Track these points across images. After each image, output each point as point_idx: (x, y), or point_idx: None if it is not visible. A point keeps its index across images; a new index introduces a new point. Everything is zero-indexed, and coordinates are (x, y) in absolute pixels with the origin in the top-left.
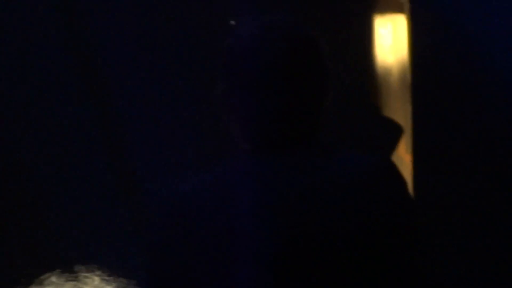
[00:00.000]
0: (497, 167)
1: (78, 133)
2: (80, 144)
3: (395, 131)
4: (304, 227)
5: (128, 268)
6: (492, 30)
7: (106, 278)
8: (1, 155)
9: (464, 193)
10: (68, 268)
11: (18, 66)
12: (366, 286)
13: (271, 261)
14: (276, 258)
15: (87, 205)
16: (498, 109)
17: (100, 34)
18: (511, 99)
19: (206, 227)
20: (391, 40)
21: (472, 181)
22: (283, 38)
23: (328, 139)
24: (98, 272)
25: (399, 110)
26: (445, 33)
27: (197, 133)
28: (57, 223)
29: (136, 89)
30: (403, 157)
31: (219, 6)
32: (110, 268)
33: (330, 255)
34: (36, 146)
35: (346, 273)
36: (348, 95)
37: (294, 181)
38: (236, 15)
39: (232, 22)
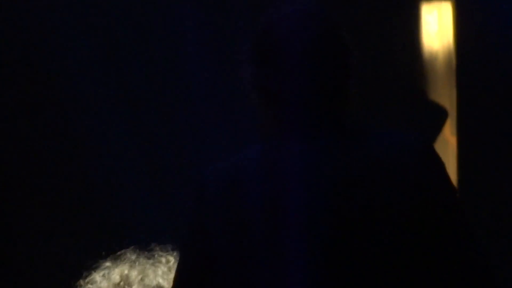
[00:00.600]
0: None
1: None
2: (148, 143)
3: (441, 114)
4: (351, 205)
5: None
6: None
7: None
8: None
9: (509, 174)
10: (143, 246)
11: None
12: (410, 268)
13: (321, 240)
14: (326, 238)
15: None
16: None
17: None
18: None
19: (252, 200)
20: (437, 26)
21: None
22: (318, 24)
23: (373, 122)
24: (173, 253)
25: (445, 94)
26: (489, 19)
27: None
28: (132, 202)
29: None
30: (448, 139)
31: None
32: None
33: (371, 233)
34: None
35: (390, 254)
36: (396, 79)
37: (338, 161)
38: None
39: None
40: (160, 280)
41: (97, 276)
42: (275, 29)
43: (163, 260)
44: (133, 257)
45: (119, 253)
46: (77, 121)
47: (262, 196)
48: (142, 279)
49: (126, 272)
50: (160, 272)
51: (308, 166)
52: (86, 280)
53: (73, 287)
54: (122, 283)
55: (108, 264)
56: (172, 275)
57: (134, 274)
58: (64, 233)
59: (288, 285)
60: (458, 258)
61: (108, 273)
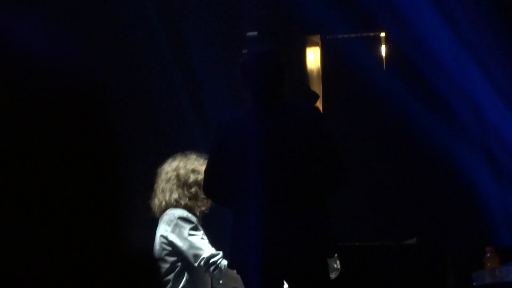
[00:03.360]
0: None
1: None
2: None
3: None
4: (279, 141)
5: None
6: None
7: None
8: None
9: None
10: None
11: None
12: (306, 172)
13: (266, 154)
14: (270, 155)
15: None
16: None
17: None
18: None
19: (234, 139)
20: (312, 63)
21: None
22: (269, 57)
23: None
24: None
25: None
26: (348, 59)
27: None
28: None
29: None
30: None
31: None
32: None
33: (291, 152)
34: None
35: (300, 161)
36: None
37: (277, 118)
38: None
39: (244, 51)
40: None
41: None
42: (248, 59)
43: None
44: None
45: None
46: None
47: (242, 134)
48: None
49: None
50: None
51: (263, 120)
52: None
53: None
54: None
55: None
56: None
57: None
58: None
59: (254, 179)
60: (328, 161)
61: None
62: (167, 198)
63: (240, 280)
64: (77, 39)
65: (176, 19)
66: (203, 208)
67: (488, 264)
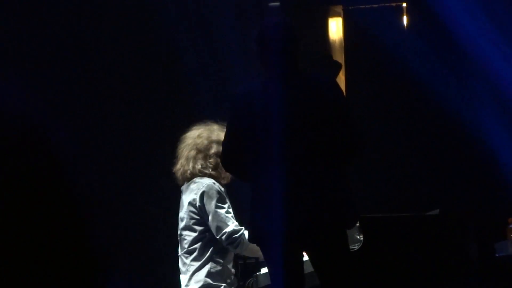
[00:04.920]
0: None
1: None
2: None
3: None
4: (295, 110)
5: None
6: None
7: None
8: None
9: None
10: None
11: None
12: (323, 139)
13: (282, 124)
14: (287, 122)
15: None
16: None
17: None
18: None
19: (249, 109)
20: (334, 33)
21: None
22: (285, 27)
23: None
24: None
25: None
26: (370, 29)
27: None
28: None
29: None
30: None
31: None
32: None
33: (309, 118)
34: None
35: (318, 127)
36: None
37: (293, 86)
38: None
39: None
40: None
41: None
42: (264, 30)
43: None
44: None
45: None
46: None
47: (259, 104)
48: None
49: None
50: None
51: (278, 90)
52: None
53: None
54: None
55: None
56: None
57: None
58: None
59: (271, 150)
60: (345, 132)
61: None
62: (191, 167)
63: (260, 253)
64: None
65: None
66: (224, 181)
67: (511, 235)
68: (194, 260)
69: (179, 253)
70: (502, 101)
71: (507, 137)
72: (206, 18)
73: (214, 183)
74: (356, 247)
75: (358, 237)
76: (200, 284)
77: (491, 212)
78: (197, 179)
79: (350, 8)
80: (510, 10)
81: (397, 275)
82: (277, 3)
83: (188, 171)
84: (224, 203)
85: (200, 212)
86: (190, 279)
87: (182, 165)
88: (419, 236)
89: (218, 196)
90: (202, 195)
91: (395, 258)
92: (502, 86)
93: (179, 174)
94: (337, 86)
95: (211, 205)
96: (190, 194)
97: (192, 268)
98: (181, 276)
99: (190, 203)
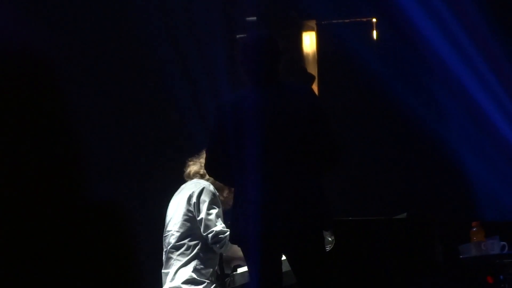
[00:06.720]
0: None
1: None
2: None
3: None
4: (275, 115)
5: None
6: None
7: None
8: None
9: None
10: None
11: None
12: (302, 146)
13: (263, 130)
14: (267, 128)
15: None
16: None
17: None
18: None
19: (232, 116)
20: (308, 47)
21: None
22: (267, 40)
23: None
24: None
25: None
26: (341, 44)
27: None
28: None
29: None
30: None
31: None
32: None
33: (287, 127)
34: None
35: (295, 136)
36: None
37: (273, 95)
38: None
39: (239, 36)
40: None
41: None
42: (248, 42)
43: None
44: None
45: None
46: None
47: (240, 111)
48: None
49: None
50: None
51: (260, 98)
52: None
53: None
54: None
55: None
56: None
57: None
58: None
59: (252, 154)
60: (322, 139)
61: None
62: (193, 168)
63: (241, 254)
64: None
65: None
66: (223, 207)
67: (474, 238)
68: (180, 255)
69: (164, 249)
70: (467, 110)
71: (470, 145)
72: (194, 30)
73: (210, 185)
74: (328, 248)
75: (329, 238)
76: (185, 278)
77: (455, 216)
78: (196, 179)
79: (323, 23)
80: (479, 23)
81: (367, 275)
82: (254, 18)
83: (192, 171)
84: (217, 206)
85: (194, 208)
86: (175, 273)
87: (189, 166)
88: (388, 238)
89: (213, 197)
90: (199, 193)
91: (365, 259)
92: (467, 96)
93: (185, 173)
94: (314, 94)
95: (205, 204)
96: (186, 191)
97: (178, 263)
98: (163, 271)
99: (186, 200)
